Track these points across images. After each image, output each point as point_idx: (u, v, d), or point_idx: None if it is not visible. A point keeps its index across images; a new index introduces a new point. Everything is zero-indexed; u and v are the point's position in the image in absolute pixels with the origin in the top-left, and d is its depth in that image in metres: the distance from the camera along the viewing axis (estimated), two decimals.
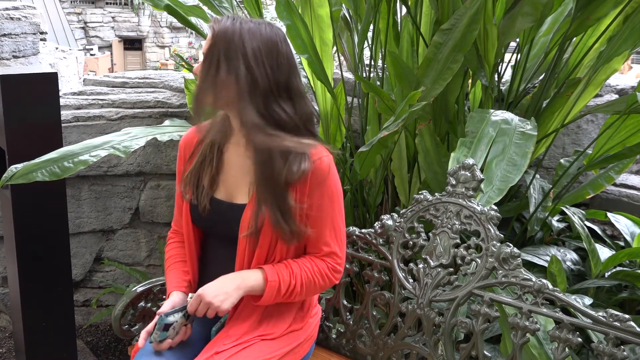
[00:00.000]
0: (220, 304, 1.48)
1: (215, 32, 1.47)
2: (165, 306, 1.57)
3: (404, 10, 2.40)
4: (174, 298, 1.60)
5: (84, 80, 3.48)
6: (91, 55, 15.77)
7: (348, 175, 2.42)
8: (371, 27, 2.42)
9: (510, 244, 1.60)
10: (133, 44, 19.97)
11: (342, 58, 2.97)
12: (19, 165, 1.91)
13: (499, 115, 1.86)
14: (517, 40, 2.28)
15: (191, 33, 19.64)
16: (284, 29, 2.08)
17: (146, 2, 2.33)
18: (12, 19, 3.61)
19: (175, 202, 1.76)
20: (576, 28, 2.13)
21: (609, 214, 2.49)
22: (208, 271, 1.67)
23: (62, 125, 2.55)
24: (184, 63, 2.76)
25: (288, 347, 1.60)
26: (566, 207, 2.42)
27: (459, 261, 1.67)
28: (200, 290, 1.50)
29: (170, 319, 1.51)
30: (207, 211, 1.60)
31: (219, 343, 1.54)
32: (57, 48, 4.68)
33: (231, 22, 1.47)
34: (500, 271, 1.60)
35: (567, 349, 1.48)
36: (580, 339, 1.48)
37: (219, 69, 1.46)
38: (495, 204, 1.63)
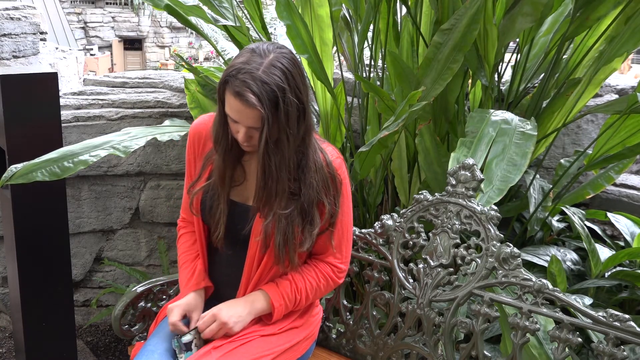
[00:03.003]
0: (233, 325, 1.52)
1: (261, 106, 1.35)
2: (181, 302, 1.57)
3: (404, 10, 2.40)
4: (189, 300, 1.59)
5: (84, 80, 3.48)
6: (91, 55, 15.79)
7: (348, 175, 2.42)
8: (371, 27, 2.42)
9: (510, 244, 1.60)
10: (133, 44, 19.99)
11: (342, 58, 2.96)
12: (19, 165, 1.90)
13: (499, 115, 1.86)
14: (517, 40, 2.28)
15: (191, 33, 19.64)
16: (283, 29, 2.08)
17: (146, 2, 2.33)
18: (12, 19, 3.61)
19: (183, 192, 1.73)
20: (576, 28, 2.13)
21: (609, 214, 2.49)
22: (216, 270, 1.67)
23: (62, 125, 2.55)
24: (184, 63, 2.75)
25: (287, 344, 1.60)
26: (566, 207, 2.41)
27: (459, 261, 1.67)
28: (215, 310, 1.53)
29: (187, 338, 1.53)
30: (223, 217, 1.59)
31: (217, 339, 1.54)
32: (57, 48, 4.69)
33: (260, 84, 1.35)
34: (500, 271, 1.60)
35: (567, 349, 1.48)
36: (580, 339, 1.48)
37: (289, 133, 1.41)
38: (495, 204, 1.63)
